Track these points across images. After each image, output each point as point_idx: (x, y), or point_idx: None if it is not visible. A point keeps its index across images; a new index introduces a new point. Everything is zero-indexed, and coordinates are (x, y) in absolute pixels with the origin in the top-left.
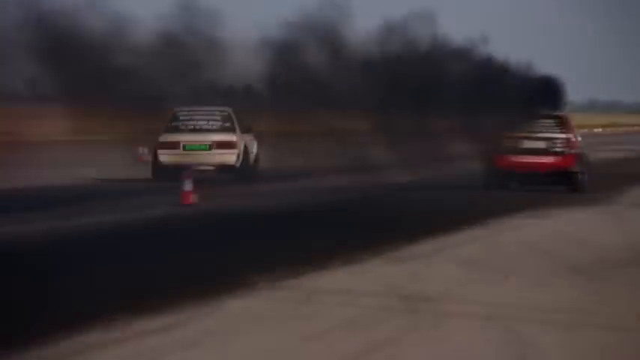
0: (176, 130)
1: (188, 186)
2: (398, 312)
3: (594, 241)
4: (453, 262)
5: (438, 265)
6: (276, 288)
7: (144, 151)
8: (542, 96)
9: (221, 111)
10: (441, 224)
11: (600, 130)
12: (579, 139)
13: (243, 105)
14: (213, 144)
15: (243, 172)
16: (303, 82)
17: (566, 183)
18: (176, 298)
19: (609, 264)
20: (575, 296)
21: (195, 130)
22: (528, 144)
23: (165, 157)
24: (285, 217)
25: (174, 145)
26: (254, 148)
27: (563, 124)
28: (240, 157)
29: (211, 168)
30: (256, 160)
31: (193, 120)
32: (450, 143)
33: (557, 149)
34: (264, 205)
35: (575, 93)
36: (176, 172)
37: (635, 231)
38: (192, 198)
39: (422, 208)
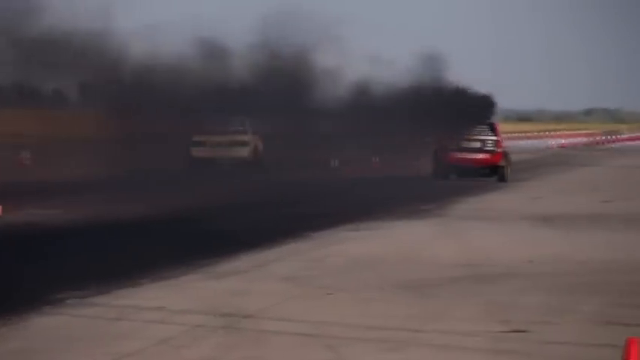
0: (205, 132)
1: None
2: (215, 330)
3: (424, 255)
4: (275, 277)
5: (258, 280)
6: (86, 305)
7: None
8: (479, 109)
9: (238, 118)
10: (266, 237)
11: None
12: (503, 141)
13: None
14: (231, 142)
15: (253, 164)
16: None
17: (494, 174)
18: None
19: (438, 280)
20: (401, 314)
21: (218, 133)
22: (467, 144)
23: (196, 152)
24: (115, 226)
25: (203, 144)
26: (260, 146)
27: (493, 129)
28: (251, 153)
29: (229, 161)
30: (262, 155)
31: (217, 125)
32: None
33: (489, 148)
34: (97, 214)
35: None
36: (206, 163)
37: (467, 245)
38: None
39: (255, 220)
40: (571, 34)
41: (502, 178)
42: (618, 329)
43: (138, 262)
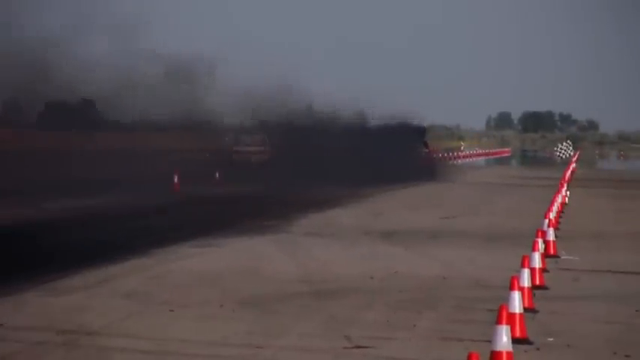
0: (239, 143)
1: None
2: (56, 347)
3: (266, 271)
4: (116, 294)
5: (100, 297)
6: None
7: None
8: (416, 134)
9: (260, 133)
10: (108, 252)
11: None
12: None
13: None
14: (256, 150)
15: (270, 166)
16: None
17: (428, 173)
18: None
19: (280, 296)
20: (242, 330)
21: (248, 144)
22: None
23: (236, 156)
24: None
25: (238, 150)
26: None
27: (426, 144)
28: (268, 157)
29: (255, 162)
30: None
31: (247, 137)
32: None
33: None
34: None
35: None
36: (240, 163)
37: (308, 261)
38: None
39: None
40: (408, 52)
41: (434, 177)
42: (454, 344)
43: None
